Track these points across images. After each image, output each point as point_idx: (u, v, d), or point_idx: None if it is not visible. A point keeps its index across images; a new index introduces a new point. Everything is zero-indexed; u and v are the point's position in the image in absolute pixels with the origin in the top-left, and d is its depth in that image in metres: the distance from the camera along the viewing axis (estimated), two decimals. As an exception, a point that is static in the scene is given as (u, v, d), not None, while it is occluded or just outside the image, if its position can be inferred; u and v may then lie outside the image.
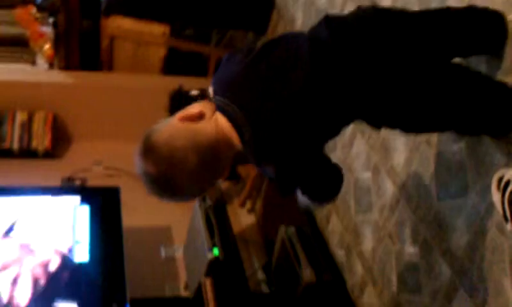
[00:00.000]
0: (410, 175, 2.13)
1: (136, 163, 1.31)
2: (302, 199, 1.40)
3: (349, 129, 2.57)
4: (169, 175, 1.27)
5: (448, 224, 1.91)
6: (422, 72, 1.40)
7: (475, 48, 1.61)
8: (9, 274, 2.55)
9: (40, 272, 2.58)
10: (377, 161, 2.36)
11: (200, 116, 1.31)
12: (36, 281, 2.54)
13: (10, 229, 2.71)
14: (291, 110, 1.27)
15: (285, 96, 1.28)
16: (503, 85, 1.61)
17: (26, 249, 2.66)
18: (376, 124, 1.47)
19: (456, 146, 1.87)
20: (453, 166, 1.89)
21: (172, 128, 1.30)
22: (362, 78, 1.32)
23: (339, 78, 1.30)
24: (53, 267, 2.63)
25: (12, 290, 2.50)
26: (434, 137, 1.98)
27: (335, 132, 1.40)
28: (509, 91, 1.59)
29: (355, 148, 2.54)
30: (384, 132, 2.27)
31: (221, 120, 1.31)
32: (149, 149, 1.28)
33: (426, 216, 2.02)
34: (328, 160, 1.38)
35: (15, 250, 2.64)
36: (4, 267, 2.57)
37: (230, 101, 1.31)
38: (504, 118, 1.58)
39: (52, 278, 2.57)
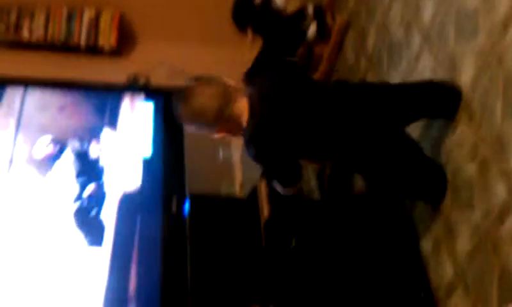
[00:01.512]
0: (476, 90, 2.10)
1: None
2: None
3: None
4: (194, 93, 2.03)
5: (509, 145, 1.89)
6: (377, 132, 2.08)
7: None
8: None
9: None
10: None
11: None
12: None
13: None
14: (290, 113, 2.01)
15: (293, 104, 2.03)
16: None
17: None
18: (343, 164, 2.24)
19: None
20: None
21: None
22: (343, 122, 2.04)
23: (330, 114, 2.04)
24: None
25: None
26: (507, 55, 1.93)
27: (311, 153, 2.11)
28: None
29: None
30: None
31: (244, 102, 2.01)
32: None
33: (488, 131, 2.00)
34: (298, 165, 2.10)
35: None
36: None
37: (256, 94, 2.03)
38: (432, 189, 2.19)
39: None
